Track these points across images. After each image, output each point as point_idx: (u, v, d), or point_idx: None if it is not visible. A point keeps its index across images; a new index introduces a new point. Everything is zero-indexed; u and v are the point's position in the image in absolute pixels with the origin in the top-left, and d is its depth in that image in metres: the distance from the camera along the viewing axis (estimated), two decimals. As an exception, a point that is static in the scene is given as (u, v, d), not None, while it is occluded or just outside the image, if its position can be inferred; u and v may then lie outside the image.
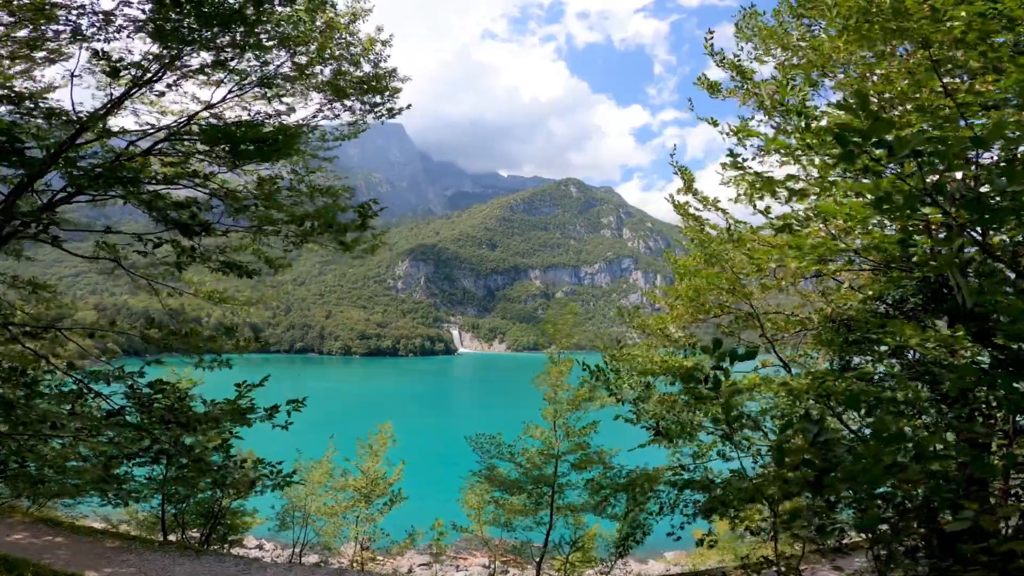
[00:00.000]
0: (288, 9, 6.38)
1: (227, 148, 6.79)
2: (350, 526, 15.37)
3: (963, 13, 3.79)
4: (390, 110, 7.85)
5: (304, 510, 15.34)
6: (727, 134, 6.21)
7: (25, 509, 11.82)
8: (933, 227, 4.94)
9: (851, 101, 2.09)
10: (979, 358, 4.60)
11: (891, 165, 2.30)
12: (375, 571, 15.65)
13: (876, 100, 4.96)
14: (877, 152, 2.09)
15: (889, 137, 2.01)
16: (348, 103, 7.75)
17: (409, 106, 8.00)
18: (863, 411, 2.19)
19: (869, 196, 2.57)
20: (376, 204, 7.38)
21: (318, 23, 6.84)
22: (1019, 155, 3.90)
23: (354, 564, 15.25)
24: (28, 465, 7.15)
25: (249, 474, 7.69)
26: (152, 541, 10.86)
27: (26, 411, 6.18)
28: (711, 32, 6.34)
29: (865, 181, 3.35)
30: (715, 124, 6.47)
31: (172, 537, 12.58)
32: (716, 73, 7.19)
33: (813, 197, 4.92)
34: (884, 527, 2.89)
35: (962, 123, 4.04)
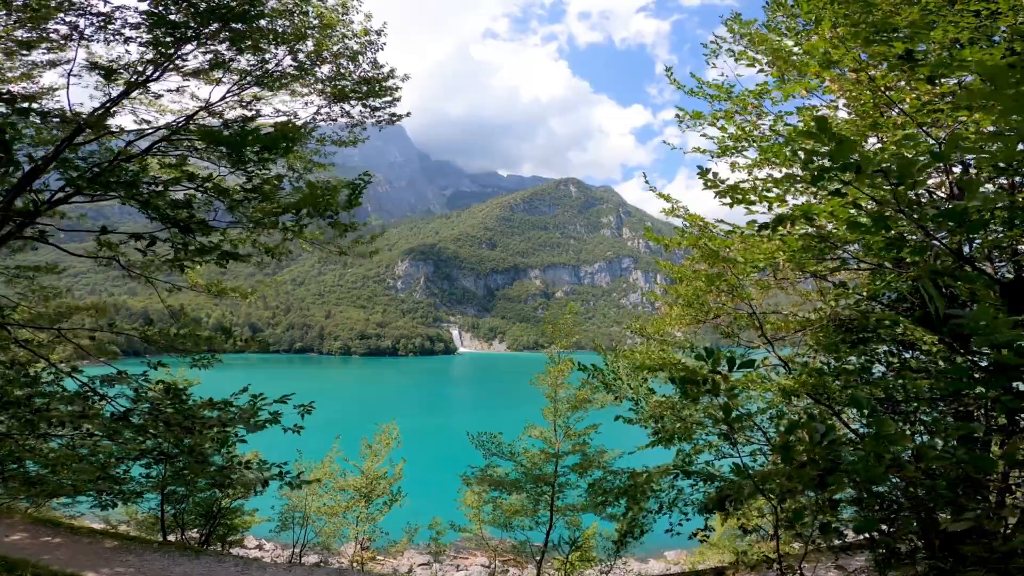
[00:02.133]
0: (283, 6, 6.38)
1: (227, 151, 6.78)
2: (350, 526, 15.37)
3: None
4: (391, 116, 7.84)
5: (304, 510, 15.34)
6: (716, 156, 6.34)
7: (24, 510, 11.81)
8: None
9: (813, 127, 2.12)
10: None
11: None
12: (375, 571, 15.65)
13: (870, 102, 4.97)
14: (845, 175, 2.13)
15: (855, 157, 2.05)
16: (348, 107, 7.73)
17: (408, 114, 8.02)
18: (866, 411, 2.20)
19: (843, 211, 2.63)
20: (368, 177, 7.27)
21: (312, 20, 6.82)
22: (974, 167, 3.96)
23: (354, 564, 15.25)
24: (26, 465, 7.15)
25: (253, 475, 7.68)
26: (151, 541, 10.84)
27: (26, 412, 6.18)
28: (669, 69, 6.63)
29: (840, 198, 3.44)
30: (703, 152, 6.67)
31: (172, 537, 12.57)
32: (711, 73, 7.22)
33: (793, 200, 4.99)
34: (884, 526, 2.89)
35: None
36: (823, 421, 2.16)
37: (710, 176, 4.38)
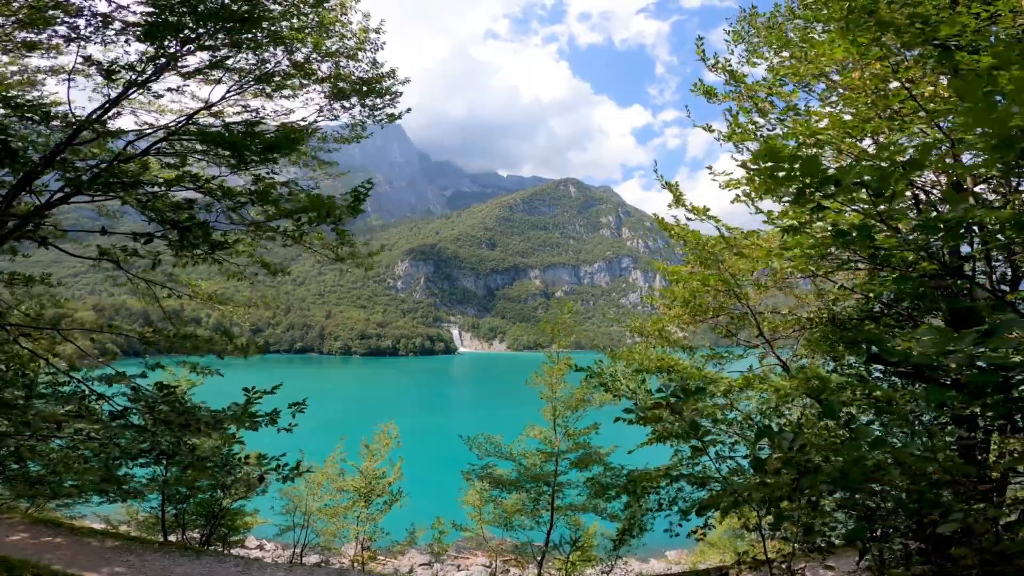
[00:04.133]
0: (282, 7, 6.38)
1: (230, 152, 6.78)
2: (351, 526, 15.37)
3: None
4: (391, 115, 7.84)
5: (305, 511, 15.34)
6: (722, 140, 6.30)
7: (25, 510, 11.82)
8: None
9: (761, 155, 2.14)
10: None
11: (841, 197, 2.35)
12: (376, 571, 15.65)
13: (871, 101, 4.97)
14: (827, 188, 2.14)
15: (832, 169, 2.07)
16: (348, 104, 7.74)
17: (409, 110, 8.00)
18: (842, 420, 2.20)
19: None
20: (371, 184, 7.30)
21: (311, 19, 6.83)
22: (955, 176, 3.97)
23: (355, 564, 15.25)
24: (27, 466, 7.16)
25: (253, 472, 7.69)
26: (152, 541, 10.86)
27: (26, 412, 6.19)
28: (701, 38, 6.51)
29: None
30: (710, 130, 6.58)
31: (172, 537, 12.58)
32: (713, 77, 7.23)
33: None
34: (877, 526, 2.90)
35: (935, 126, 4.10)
36: (786, 429, 2.18)
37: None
